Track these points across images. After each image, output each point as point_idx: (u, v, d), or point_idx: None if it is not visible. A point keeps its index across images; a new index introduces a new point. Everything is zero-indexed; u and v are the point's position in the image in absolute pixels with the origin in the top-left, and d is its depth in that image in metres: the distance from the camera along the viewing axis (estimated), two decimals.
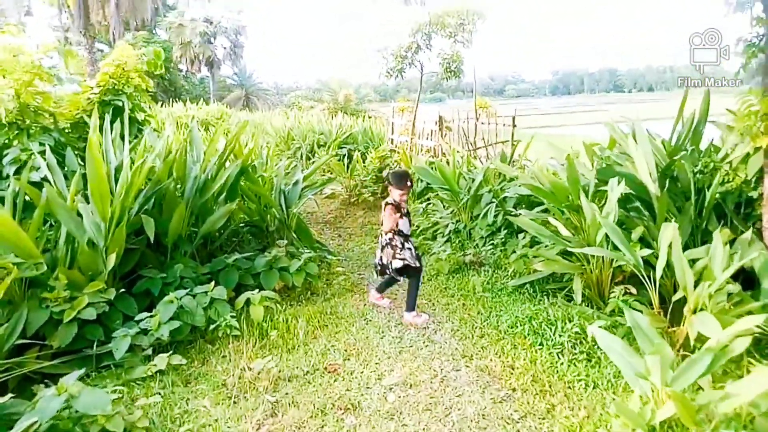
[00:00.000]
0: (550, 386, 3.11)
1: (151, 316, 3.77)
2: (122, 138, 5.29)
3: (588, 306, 4.19)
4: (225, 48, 45.07)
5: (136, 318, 3.82)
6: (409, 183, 4.37)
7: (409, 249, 4.34)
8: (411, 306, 4.30)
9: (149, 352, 3.62)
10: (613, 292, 4.09)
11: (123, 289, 4.01)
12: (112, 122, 5.35)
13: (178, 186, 4.91)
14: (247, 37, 45.30)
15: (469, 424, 2.79)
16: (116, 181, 4.44)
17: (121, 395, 3.17)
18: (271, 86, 49.64)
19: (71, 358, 3.61)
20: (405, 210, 4.37)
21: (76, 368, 3.49)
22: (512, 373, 3.28)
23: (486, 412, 2.88)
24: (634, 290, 4.04)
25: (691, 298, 3.36)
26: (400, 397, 3.06)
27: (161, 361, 3.46)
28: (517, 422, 2.79)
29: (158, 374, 3.44)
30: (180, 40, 38.77)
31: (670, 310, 3.83)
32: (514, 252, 5.28)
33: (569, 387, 3.10)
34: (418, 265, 4.33)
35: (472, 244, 6.02)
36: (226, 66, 45.05)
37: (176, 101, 19.64)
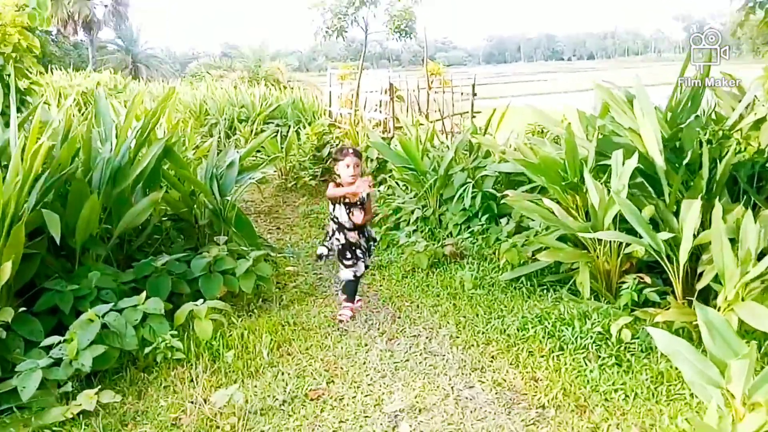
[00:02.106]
0: (585, 400, 2.97)
1: (65, 341, 3.30)
2: (5, 112, 4.68)
3: (596, 299, 4.13)
4: (106, 6, 42.55)
5: (43, 344, 3.34)
6: (351, 151, 4.29)
7: (340, 244, 4.31)
8: (348, 297, 4.35)
9: (67, 388, 3.16)
10: (624, 282, 4.04)
11: (22, 308, 3.50)
12: None
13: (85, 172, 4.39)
14: None
15: None
16: (3, 167, 3.89)
17: None
18: (164, 53, 47.65)
19: None
20: (348, 199, 4.25)
21: None
22: (537, 387, 3.12)
23: None
24: (648, 279, 4.01)
25: (730, 286, 3.32)
26: (411, 426, 2.80)
27: (87, 399, 3.01)
28: None
29: (81, 416, 3.00)
30: None
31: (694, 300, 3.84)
32: (498, 240, 5.17)
33: (607, 399, 2.97)
34: (345, 262, 4.32)
35: (445, 233, 5.86)
36: (107, 30, 42.65)
37: (47, 71, 18.18)
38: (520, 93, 29.00)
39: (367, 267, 4.49)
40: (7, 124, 4.53)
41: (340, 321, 4.16)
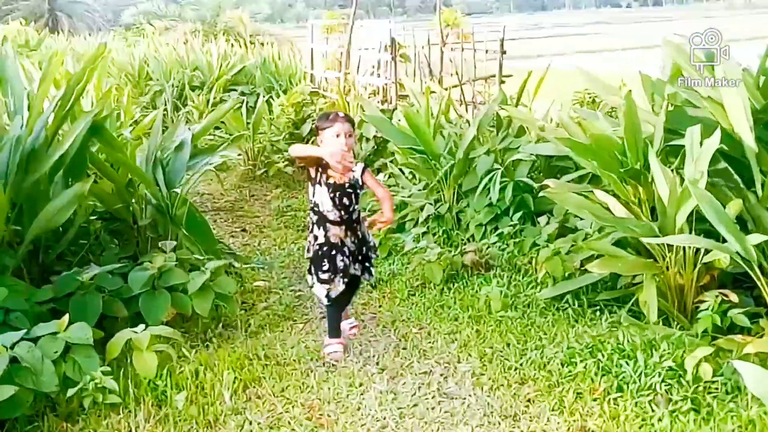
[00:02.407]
0: None
1: None
2: None
3: (665, 323, 4.13)
4: None
5: None
6: (340, 116, 4.20)
7: (316, 243, 4.23)
8: (329, 331, 4.34)
9: None
10: (702, 301, 4.04)
11: None
12: None
13: None
14: None
15: None
16: None
17: None
18: None
19: None
20: (333, 180, 4.16)
21: None
22: None
23: None
24: (734, 297, 4.01)
25: None
26: None
27: None
28: None
29: None
30: None
31: None
32: (535, 245, 5.19)
33: None
34: (312, 278, 4.27)
35: (465, 236, 5.88)
36: None
37: None
38: (564, 51, 28.95)
39: (364, 281, 4.50)
40: None
41: (333, 360, 4.14)
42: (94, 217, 5.32)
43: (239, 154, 9.06)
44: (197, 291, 4.36)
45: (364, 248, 4.34)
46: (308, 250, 4.31)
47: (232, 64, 12.53)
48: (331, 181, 4.15)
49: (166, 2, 29.66)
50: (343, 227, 4.20)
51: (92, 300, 4.18)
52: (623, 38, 40.01)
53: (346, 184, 4.17)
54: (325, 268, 4.15)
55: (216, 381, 3.73)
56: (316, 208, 4.21)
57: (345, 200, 4.15)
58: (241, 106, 9.55)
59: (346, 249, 4.21)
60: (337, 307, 4.30)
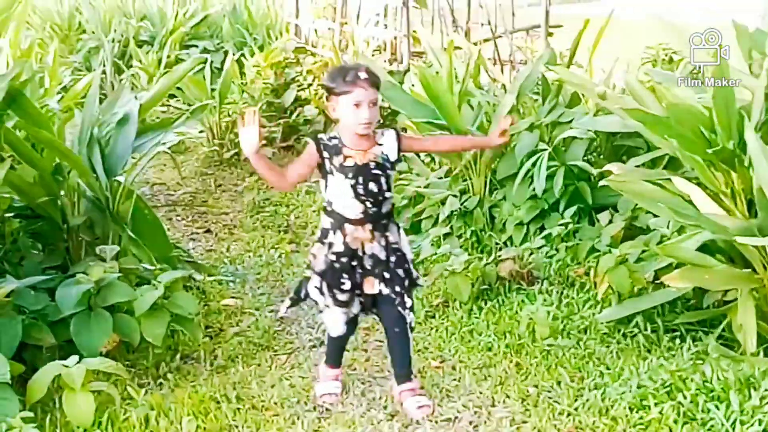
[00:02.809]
0: None
1: None
2: None
3: (766, 355, 4.12)
4: None
5: None
6: (364, 76, 3.83)
7: (330, 251, 3.96)
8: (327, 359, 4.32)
9: None
10: None
11: None
12: None
13: None
14: None
15: None
16: None
17: None
18: None
19: None
20: (353, 159, 3.89)
21: None
22: None
23: None
24: None
25: None
26: None
27: None
28: None
29: None
30: None
31: None
32: (595, 251, 5.17)
33: None
34: (322, 299, 4.02)
35: (501, 239, 5.86)
36: None
37: None
38: None
39: (396, 303, 3.99)
40: None
41: (326, 403, 4.10)
42: (11, 215, 5.30)
43: (201, 131, 9.06)
44: (147, 312, 4.35)
45: (393, 257, 4.02)
46: (315, 264, 4.03)
47: (191, 13, 12.49)
48: (349, 162, 3.88)
49: None
50: (369, 227, 3.95)
51: (9, 324, 4.16)
52: None
53: (371, 164, 3.92)
54: (346, 286, 3.94)
55: (172, 431, 3.73)
56: (328, 207, 4.00)
57: (372, 185, 3.89)
58: (203, 68, 9.52)
59: (368, 259, 3.97)
60: (346, 336, 4.21)
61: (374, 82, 3.85)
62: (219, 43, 11.53)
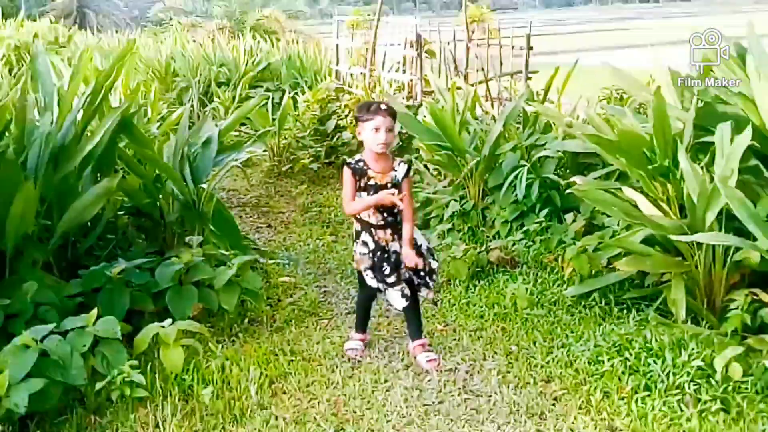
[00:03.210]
0: None
1: None
2: None
3: (693, 322, 4.08)
4: None
5: None
6: (383, 109, 3.90)
7: (369, 251, 3.96)
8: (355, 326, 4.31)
9: None
10: (732, 300, 3.99)
11: None
12: None
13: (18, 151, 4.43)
14: None
15: None
16: None
17: None
18: None
19: None
20: (375, 181, 3.93)
21: None
22: None
23: None
24: (765, 296, 3.95)
25: None
26: None
27: None
28: None
29: None
30: None
31: None
32: (562, 243, 5.15)
33: None
34: (380, 285, 3.97)
35: (491, 233, 5.84)
36: None
37: None
38: (591, 47, 28.69)
39: (417, 286, 4.05)
40: None
41: (352, 356, 4.12)
42: (122, 213, 5.34)
43: (265, 150, 9.00)
44: (224, 286, 4.37)
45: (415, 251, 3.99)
46: (361, 260, 4.01)
47: (258, 61, 12.53)
48: (372, 182, 3.93)
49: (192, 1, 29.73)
50: (389, 230, 3.97)
51: (120, 294, 4.19)
52: (650, 34, 39.56)
53: (389, 184, 3.94)
54: (387, 272, 3.92)
55: (242, 376, 3.73)
56: (357, 215, 4.01)
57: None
58: (266, 103, 9.54)
59: (393, 254, 3.96)
60: (369, 302, 4.29)
61: (391, 112, 3.92)
62: (278, 84, 11.53)
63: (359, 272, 4.10)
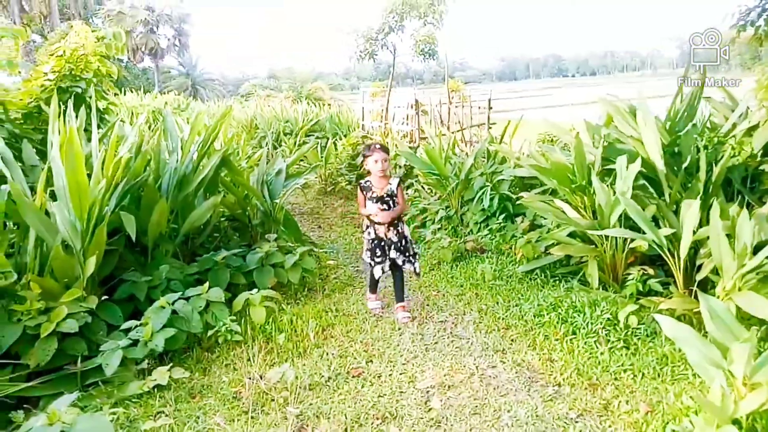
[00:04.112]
0: (597, 379, 2.90)
1: (141, 325, 3.35)
2: (87, 129, 4.77)
3: (603, 289, 4.04)
4: (168, 38, 43.31)
5: (122, 327, 3.39)
6: (378, 147, 4.02)
7: (370, 237, 4.03)
8: (369, 288, 4.26)
9: (143, 365, 3.21)
10: (629, 273, 3.95)
11: (105, 296, 3.57)
12: (73, 111, 4.79)
13: (156, 179, 4.45)
14: (192, 25, 43.65)
15: (526, 428, 2.53)
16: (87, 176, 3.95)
17: (117, 417, 2.76)
18: (219, 76, 48.26)
19: (51, 377, 3.16)
20: (376, 193, 3.99)
21: (57, 389, 3.07)
22: (553, 367, 3.05)
23: (539, 413, 2.64)
24: (651, 271, 3.92)
25: (728, 277, 3.22)
26: (441, 401, 2.77)
27: (161, 375, 3.05)
28: (576, 422, 2.56)
29: (156, 390, 3.04)
30: (120, 28, 36.95)
31: (694, 290, 3.73)
32: (514, 236, 5.11)
33: (616, 378, 2.90)
34: (371, 261, 4.05)
35: (467, 230, 5.81)
36: (169, 58, 43.41)
37: (121, 93, 18.55)
38: (530, 107, 28.58)
39: (402, 264, 4.04)
40: (89, 139, 4.62)
41: (375, 313, 4.07)
42: (223, 219, 5.34)
43: (316, 177, 9.07)
44: (291, 267, 4.37)
45: (403, 241, 4.04)
46: (365, 242, 4.11)
47: (311, 118, 12.57)
48: (375, 195, 4.00)
49: (268, 78, 29.91)
50: (386, 225, 4.01)
51: (223, 273, 4.20)
52: (569, 97, 39.35)
53: (386, 195, 4.00)
54: (378, 254, 4.01)
55: (304, 326, 3.74)
56: (368, 217, 4.06)
57: (385, 206, 3.99)
58: (317, 146, 9.59)
59: (390, 241, 4.00)
60: (378, 277, 4.17)
61: (385, 149, 4.07)
62: (324, 133, 11.57)
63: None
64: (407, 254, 4.06)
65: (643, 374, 2.90)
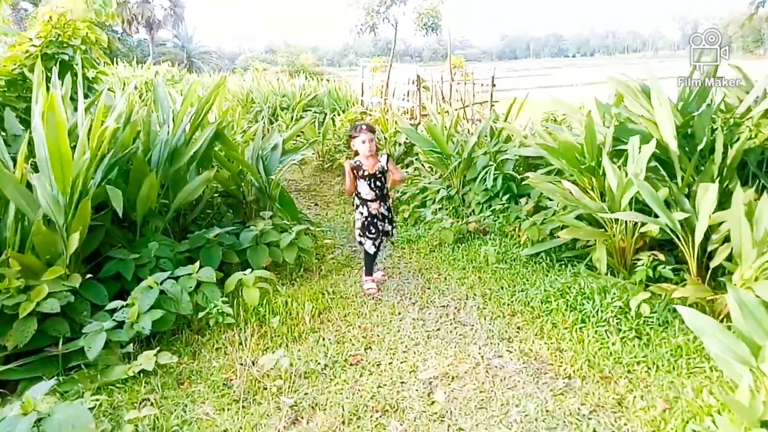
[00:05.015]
0: (609, 371, 2.73)
1: (127, 305, 3.17)
2: (72, 98, 4.52)
3: (611, 275, 3.87)
4: (164, 8, 42.47)
5: (108, 307, 3.21)
6: (365, 128, 4.00)
7: (363, 217, 4.02)
8: (365, 272, 4.12)
9: (129, 348, 3.03)
10: (639, 259, 3.78)
11: (89, 275, 3.38)
12: (59, 79, 4.53)
13: (145, 152, 4.22)
14: None
15: (535, 424, 2.37)
16: (71, 147, 3.72)
17: (100, 404, 2.59)
18: (215, 49, 47.51)
19: (31, 360, 2.98)
20: (367, 171, 3.96)
21: (37, 372, 2.90)
22: (562, 358, 2.88)
23: (549, 408, 2.47)
24: (662, 256, 3.74)
25: (747, 265, 3.05)
26: (445, 393, 2.60)
27: (147, 360, 2.88)
28: (589, 418, 2.39)
29: (142, 375, 2.87)
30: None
31: (707, 278, 3.57)
32: (518, 218, 4.92)
33: (630, 371, 2.73)
34: (363, 239, 4.04)
35: (468, 211, 5.61)
36: (164, 30, 42.61)
37: (114, 64, 18.08)
38: (530, 86, 28.25)
39: (391, 234, 4.18)
40: (76, 109, 4.38)
41: (370, 294, 3.93)
42: (217, 195, 5.15)
43: (313, 153, 8.85)
44: (286, 246, 4.20)
45: (390, 214, 4.13)
46: (357, 221, 4.08)
47: (308, 93, 12.27)
48: (366, 173, 3.97)
49: (264, 51, 29.35)
50: (378, 201, 4.02)
51: (215, 251, 4.02)
52: (569, 77, 38.87)
53: (377, 172, 3.99)
54: (373, 230, 4.02)
55: (299, 308, 3.56)
56: (359, 195, 4.04)
57: (377, 183, 4.01)
58: (314, 121, 9.34)
59: (381, 215, 4.04)
60: (375, 255, 4.13)
61: (370, 129, 4.04)
62: (322, 109, 11.28)
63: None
64: (392, 224, 4.19)
65: (657, 367, 2.74)
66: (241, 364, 2.90)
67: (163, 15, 41.85)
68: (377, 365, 2.90)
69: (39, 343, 2.99)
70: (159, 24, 41.19)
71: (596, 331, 3.08)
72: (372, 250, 4.05)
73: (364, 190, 4.00)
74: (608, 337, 3.02)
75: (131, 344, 3.05)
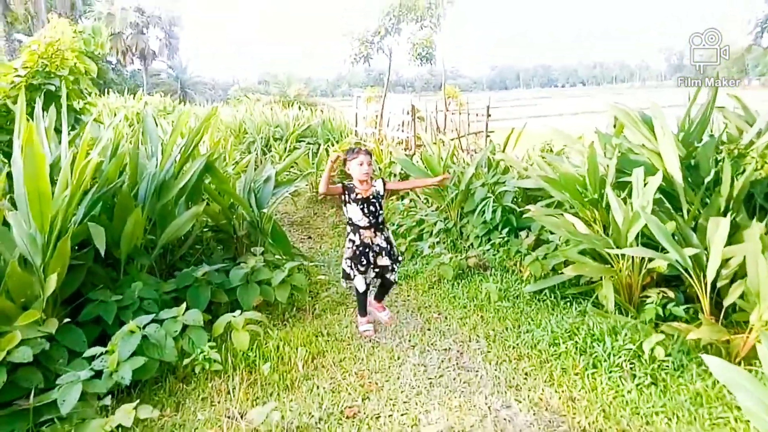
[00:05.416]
0: (627, 423, 2.53)
1: (106, 352, 2.95)
2: (58, 130, 4.36)
3: (619, 313, 3.69)
4: (159, 39, 42.86)
5: (86, 354, 2.98)
6: (363, 150, 3.75)
7: (354, 246, 3.72)
8: (359, 312, 3.87)
9: (107, 400, 2.80)
10: (647, 296, 3.62)
11: (67, 319, 3.16)
12: (44, 110, 4.38)
13: (132, 186, 4.04)
14: (183, 28, 43.30)
15: None
16: (53, 181, 3.54)
17: None
18: (209, 80, 47.84)
19: None
20: (360, 195, 3.68)
21: (6, 428, 2.66)
22: (575, 408, 2.67)
23: None
24: (671, 294, 3.58)
25: (766, 304, 2.89)
26: None
27: (125, 414, 2.64)
28: None
29: (120, 430, 2.63)
30: (110, 31, 36.37)
31: (721, 317, 3.40)
32: (519, 252, 4.75)
33: (648, 423, 2.53)
34: (351, 272, 3.76)
35: (467, 244, 5.44)
36: (159, 61, 42.92)
37: (105, 95, 17.99)
38: (522, 116, 28.45)
39: (393, 270, 3.82)
40: (61, 142, 4.22)
41: (367, 336, 3.70)
42: (206, 230, 4.95)
43: (307, 185, 8.69)
44: (279, 284, 4.00)
45: (388, 246, 3.79)
46: (347, 250, 3.78)
47: (302, 123, 12.18)
48: (359, 196, 3.68)
49: (258, 82, 29.47)
50: (372, 230, 3.72)
51: (203, 291, 3.82)
52: (559, 107, 39.27)
53: (371, 197, 3.70)
54: (364, 262, 3.71)
55: (292, 353, 3.34)
56: (350, 221, 3.75)
57: (371, 208, 3.69)
58: (308, 152, 9.21)
59: (376, 247, 3.73)
60: (366, 292, 3.83)
61: (368, 152, 3.79)
62: (316, 139, 11.18)
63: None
64: (393, 258, 3.83)
65: (677, 417, 2.54)
66: (229, 417, 2.68)
67: (158, 46, 42.23)
68: (376, 418, 2.68)
69: (9, 395, 2.76)
70: (153, 55, 41.49)
71: (610, 377, 2.89)
72: (362, 288, 3.74)
73: (356, 215, 3.70)
74: (623, 384, 2.82)
75: (109, 396, 2.81)
